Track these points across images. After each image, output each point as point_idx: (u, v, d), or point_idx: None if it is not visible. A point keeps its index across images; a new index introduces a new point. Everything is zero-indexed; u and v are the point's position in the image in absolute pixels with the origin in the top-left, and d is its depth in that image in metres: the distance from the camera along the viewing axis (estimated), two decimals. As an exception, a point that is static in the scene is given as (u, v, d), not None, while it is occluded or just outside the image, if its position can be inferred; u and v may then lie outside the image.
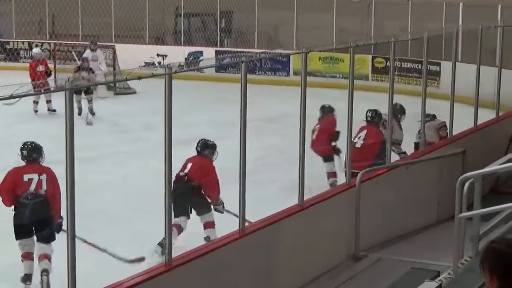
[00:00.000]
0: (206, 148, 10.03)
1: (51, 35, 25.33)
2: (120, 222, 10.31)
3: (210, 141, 10.16)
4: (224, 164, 9.64)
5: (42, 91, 14.36)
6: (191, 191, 9.66)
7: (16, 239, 8.53)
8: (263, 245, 8.05)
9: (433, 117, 12.14)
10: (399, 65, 18.47)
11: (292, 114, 9.40)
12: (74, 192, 5.93)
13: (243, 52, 20.30)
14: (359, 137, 11.04)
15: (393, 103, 10.59)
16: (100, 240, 8.98)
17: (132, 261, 10.26)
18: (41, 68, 18.89)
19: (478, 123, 12.52)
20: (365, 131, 11.19)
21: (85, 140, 10.99)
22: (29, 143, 8.96)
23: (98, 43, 21.91)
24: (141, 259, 10.12)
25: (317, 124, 12.16)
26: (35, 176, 8.57)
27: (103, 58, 20.90)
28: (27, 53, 24.69)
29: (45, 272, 8.46)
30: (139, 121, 16.75)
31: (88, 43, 21.82)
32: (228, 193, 9.10)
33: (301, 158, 8.48)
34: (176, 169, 7.62)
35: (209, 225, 9.68)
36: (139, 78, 6.80)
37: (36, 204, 8.49)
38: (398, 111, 11.78)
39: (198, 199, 9.75)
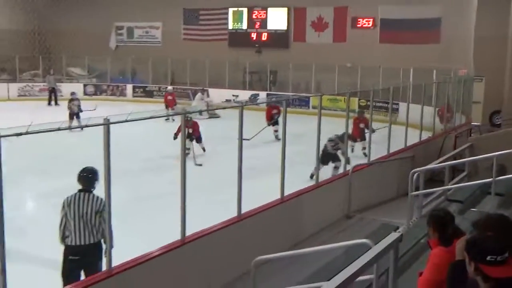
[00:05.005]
0: None
1: (171, 82, 25.51)
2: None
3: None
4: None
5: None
6: None
7: None
8: (297, 205, 7.84)
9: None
10: (375, 104, 18.21)
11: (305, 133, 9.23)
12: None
13: (283, 94, 20.66)
14: None
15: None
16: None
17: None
18: (170, 97, 19.91)
19: (422, 139, 12.43)
20: None
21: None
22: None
23: (196, 88, 22.17)
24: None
25: None
26: None
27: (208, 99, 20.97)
28: (157, 93, 25.00)
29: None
30: (222, 134, 16.14)
31: (197, 88, 22.15)
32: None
33: (318, 162, 8.43)
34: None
35: None
36: (224, 108, 6.61)
37: None
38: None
39: None
